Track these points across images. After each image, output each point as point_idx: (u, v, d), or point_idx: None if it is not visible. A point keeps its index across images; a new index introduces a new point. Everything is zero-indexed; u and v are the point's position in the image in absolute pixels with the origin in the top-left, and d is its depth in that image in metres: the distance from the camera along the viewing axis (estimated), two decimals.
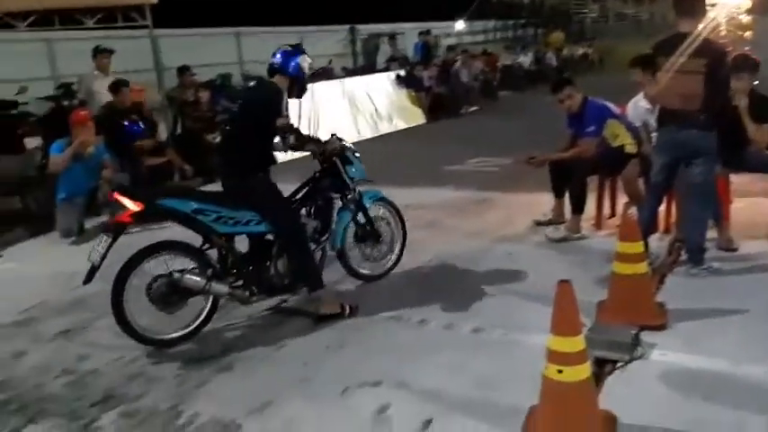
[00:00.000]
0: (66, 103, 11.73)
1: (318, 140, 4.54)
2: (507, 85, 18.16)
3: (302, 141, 4.36)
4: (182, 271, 3.95)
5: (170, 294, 3.93)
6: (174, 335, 3.99)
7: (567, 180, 5.61)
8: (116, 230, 3.91)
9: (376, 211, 4.89)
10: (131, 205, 3.88)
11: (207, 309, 4.08)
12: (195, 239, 4.16)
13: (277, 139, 4.32)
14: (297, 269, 4.25)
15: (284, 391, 3.43)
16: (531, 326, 3.81)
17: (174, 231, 4.36)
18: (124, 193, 3.96)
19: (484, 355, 3.65)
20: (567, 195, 5.70)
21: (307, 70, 4.32)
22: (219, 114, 10.20)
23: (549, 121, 6.78)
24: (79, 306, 4.76)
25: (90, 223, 6.73)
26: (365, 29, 23.60)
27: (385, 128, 12.82)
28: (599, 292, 4.12)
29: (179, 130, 9.83)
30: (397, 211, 5.06)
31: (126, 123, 7.48)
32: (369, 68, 18.33)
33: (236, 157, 4.20)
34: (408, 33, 21.91)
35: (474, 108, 15.06)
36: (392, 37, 20.87)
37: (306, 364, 3.70)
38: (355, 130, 12.16)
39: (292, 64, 4.23)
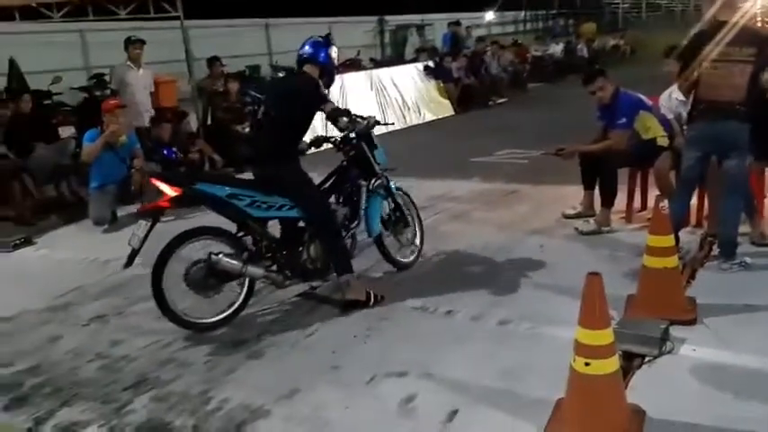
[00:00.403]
0: (98, 93, 11.95)
1: (362, 119, 4.68)
2: (537, 77, 17.99)
3: (353, 121, 4.49)
4: (218, 254, 4.02)
5: (207, 278, 4.00)
6: (213, 319, 4.08)
7: (598, 173, 5.56)
8: (154, 215, 3.97)
9: (400, 198, 4.99)
10: (169, 190, 3.94)
11: (243, 293, 4.16)
12: (229, 226, 4.23)
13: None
14: (328, 253, 4.34)
15: (313, 379, 3.47)
16: (558, 319, 3.79)
17: (207, 218, 4.44)
18: (161, 179, 4.04)
19: (511, 347, 3.64)
20: (596, 188, 5.64)
21: (336, 61, 4.42)
22: (248, 105, 10.30)
23: (579, 113, 6.72)
24: (113, 292, 4.86)
25: (122, 212, 6.84)
26: (393, 20, 23.57)
27: (413, 119, 12.79)
28: (628, 285, 4.09)
29: (209, 121, 9.92)
30: (412, 201, 5.18)
31: (165, 152, 7.57)
32: (397, 59, 18.32)
33: (270, 147, 4.25)
34: (437, 24, 21.84)
35: (503, 99, 14.95)
36: (421, 28, 20.82)
37: (334, 352, 3.74)
38: (383, 121, 12.10)
39: (322, 53, 4.32)
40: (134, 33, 8.43)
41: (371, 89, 12.31)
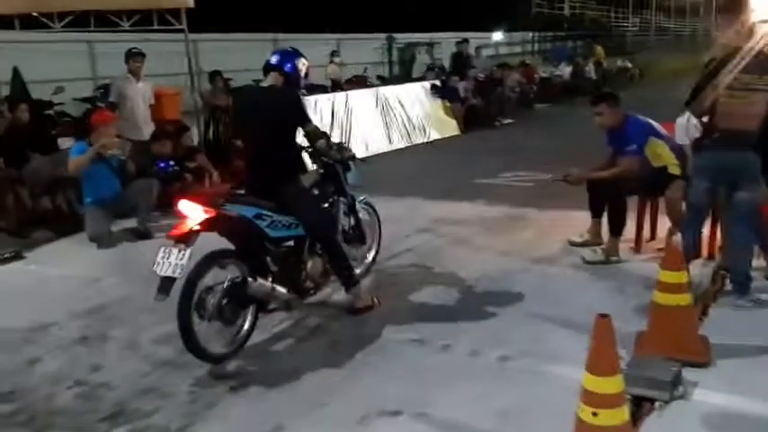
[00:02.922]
0: (101, 104, 11.84)
1: (340, 147, 4.74)
2: (544, 98, 17.86)
3: (329, 147, 4.50)
4: (251, 277, 3.88)
5: (231, 304, 3.79)
6: (224, 350, 3.84)
7: (606, 199, 5.36)
8: (190, 240, 3.67)
9: (361, 214, 5.08)
10: (201, 212, 3.68)
11: (250, 318, 3.98)
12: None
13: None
14: (334, 268, 4.41)
15: (298, 416, 3.26)
16: (562, 356, 3.61)
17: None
18: (194, 199, 3.77)
19: (511, 386, 3.43)
20: (605, 216, 5.45)
21: (302, 72, 4.33)
22: None
23: (586, 136, 6.53)
24: (98, 313, 4.68)
25: (116, 227, 6.67)
26: (402, 37, 23.53)
27: (418, 138, 12.64)
28: (637, 321, 3.88)
29: (210, 135, 9.79)
30: (376, 213, 5.27)
31: (161, 164, 7.33)
32: (404, 77, 18.22)
33: (269, 162, 4.20)
34: (446, 43, 21.77)
35: (509, 120, 14.80)
36: (429, 46, 20.75)
37: (323, 388, 3.53)
38: (387, 139, 12.01)
39: (288, 64, 4.25)
40: (142, 45, 8.31)
41: (377, 106, 12.18)
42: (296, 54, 4.33)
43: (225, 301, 3.73)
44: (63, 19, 8.03)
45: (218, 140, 9.61)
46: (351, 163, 4.85)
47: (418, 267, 5.38)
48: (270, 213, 4.00)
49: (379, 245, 5.29)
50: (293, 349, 4.06)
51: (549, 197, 7.13)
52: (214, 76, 10.64)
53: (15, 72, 12.43)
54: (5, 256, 6.16)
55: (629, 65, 24.88)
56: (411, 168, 10.01)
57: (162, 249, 3.62)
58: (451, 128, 13.45)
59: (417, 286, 4.95)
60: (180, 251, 3.59)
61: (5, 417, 3.41)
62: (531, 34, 27.62)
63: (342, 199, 4.80)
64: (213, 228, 3.82)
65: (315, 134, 4.36)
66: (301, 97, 4.27)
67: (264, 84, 4.33)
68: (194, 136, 9.35)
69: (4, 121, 8.14)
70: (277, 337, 4.23)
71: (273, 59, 4.27)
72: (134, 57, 7.83)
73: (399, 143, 12.18)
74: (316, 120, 10.62)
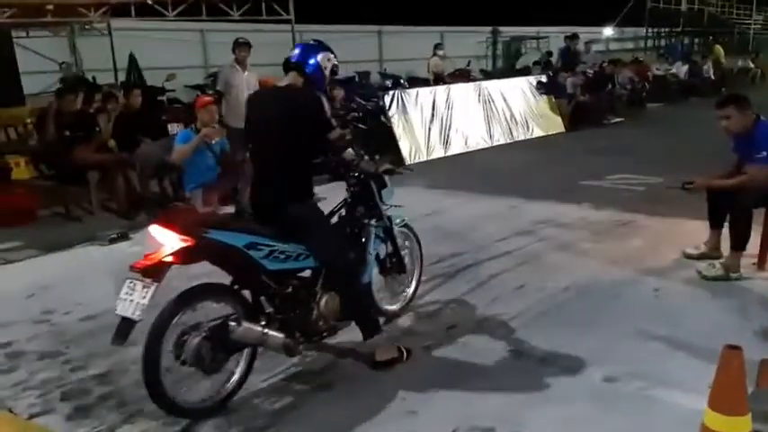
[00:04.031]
0: (210, 92, 12.20)
1: (371, 160, 3.98)
2: (658, 97, 16.93)
3: (360, 159, 3.80)
4: (234, 320, 3.24)
5: (215, 350, 3.15)
6: (203, 404, 3.27)
7: (728, 210, 4.92)
8: (158, 274, 3.01)
9: (400, 238, 4.34)
10: (176, 240, 3.03)
11: (243, 365, 3.39)
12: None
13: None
14: (350, 312, 3.64)
15: (386, 423, 3.15)
16: (675, 381, 3.31)
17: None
18: (167, 224, 3.08)
19: (616, 411, 3.15)
20: (725, 227, 5.00)
21: (328, 71, 3.65)
22: (352, 111, 10.17)
23: (703, 139, 6.07)
24: None
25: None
26: (508, 31, 23.03)
27: (520, 134, 12.26)
28: (761, 347, 3.53)
29: None
30: (417, 238, 4.52)
31: None
32: (508, 71, 17.80)
33: (280, 181, 3.52)
34: (553, 38, 21.12)
35: (619, 119, 14.11)
36: (536, 40, 20.19)
37: (413, 394, 3.38)
38: (488, 134, 11.71)
39: (310, 62, 3.60)
40: (250, 35, 8.44)
41: (479, 101, 11.88)
42: (319, 48, 3.66)
43: (205, 346, 3.11)
44: (176, 7, 8.26)
45: None
46: (387, 178, 4.07)
47: (516, 272, 5.13)
48: (269, 242, 3.30)
49: (420, 275, 4.58)
50: None
51: (660, 203, 6.69)
52: None
53: (131, 58, 13.06)
54: (112, 236, 6.40)
55: (752, 65, 23.22)
56: (512, 166, 9.68)
57: (127, 283, 3.00)
58: (557, 125, 12.97)
59: (515, 292, 4.71)
60: (144, 287, 2.97)
61: (99, 398, 3.47)
62: (644, 30, 26.31)
63: (374, 222, 4.05)
64: (192, 259, 3.14)
65: (342, 142, 3.69)
66: (323, 100, 3.51)
67: (281, 84, 3.69)
68: None
69: (118, 105, 8.51)
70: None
71: (295, 55, 3.64)
72: (240, 46, 7.94)
73: (500, 139, 11.86)
74: (415, 113, 10.58)
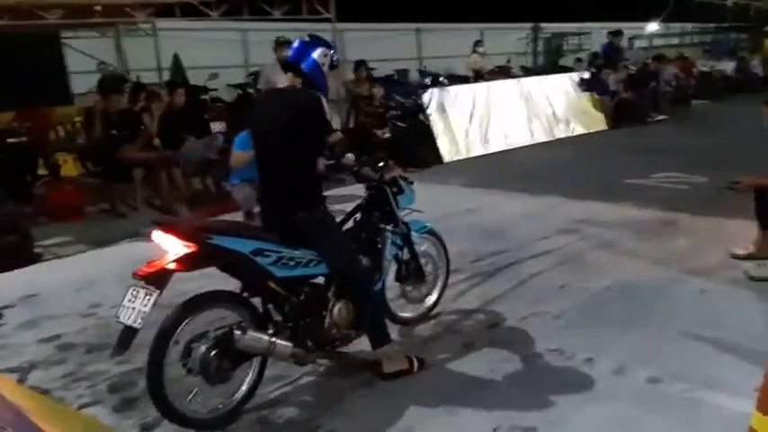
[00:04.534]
0: (251, 91, 12.35)
1: (375, 164, 3.79)
2: (703, 94, 16.55)
3: (360, 164, 3.62)
4: (240, 329, 3.14)
5: (221, 359, 3.07)
6: (210, 415, 3.18)
7: None
8: (161, 282, 2.96)
9: (421, 245, 4.18)
10: (180, 246, 2.97)
11: (253, 375, 3.30)
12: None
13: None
14: (360, 321, 3.54)
15: (427, 419, 3.15)
16: (721, 383, 3.24)
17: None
18: (170, 230, 3.03)
19: (660, 413, 3.11)
20: None
21: (326, 67, 3.44)
22: (391, 110, 10.20)
23: (751, 137, 5.90)
24: None
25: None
26: (549, 27, 22.75)
27: (561, 132, 12.11)
28: None
29: (351, 124, 9.91)
30: (443, 245, 4.34)
31: None
32: (550, 68, 17.60)
33: (288, 187, 3.41)
34: (595, 34, 20.80)
35: (663, 116, 13.83)
36: (578, 36, 19.91)
37: (455, 392, 3.38)
38: (529, 132, 11.61)
39: (307, 60, 3.39)
40: (291, 34, 8.52)
41: (519, 98, 11.78)
42: (315, 44, 3.46)
43: (211, 355, 3.04)
44: (220, 7, 8.39)
45: (359, 130, 9.69)
46: (403, 183, 3.96)
47: (558, 271, 5.08)
48: (276, 248, 3.21)
49: (445, 283, 4.39)
50: (425, 347, 3.93)
51: (706, 202, 6.55)
52: (359, 65, 10.73)
53: (176, 58, 13.30)
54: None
55: None
56: (552, 164, 9.58)
57: (131, 290, 2.96)
58: (599, 122, 12.78)
59: (557, 291, 4.67)
60: (147, 295, 2.91)
61: (144, 391, 3.47)
62: (690, 26, 25.76)
63: (390, 228, 3.91)
64: (196, 265, 3.07)
65: (341, 145, 3.54)
66: (323, 101, 3.35)
67: (280, 85, 3.55)
68: (336, 124, 9.50)
69: (162, 104, 8.68)
70: (409, 332, 4.13)
71: (291, 54, 3.48)
72: (281, 45, 8.01)
73: (541, 137, 11.74)
74: (454, 111, 10.54)
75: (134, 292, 2.94)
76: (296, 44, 3.49)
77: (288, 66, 3.48)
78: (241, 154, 6.28)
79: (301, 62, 3.40)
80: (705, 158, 8.71)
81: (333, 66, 3.49)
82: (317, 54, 3.40)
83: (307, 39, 3.50)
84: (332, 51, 3.49)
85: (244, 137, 6.26)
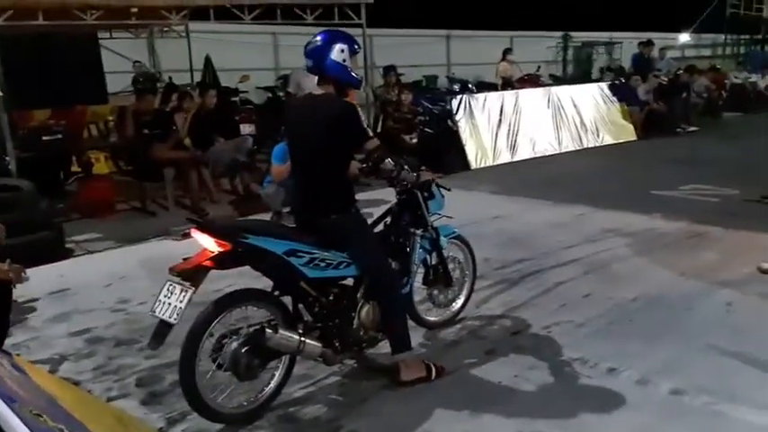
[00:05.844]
0: (280, 94, 12.48)
1: (413, 169, 3.77)
2: (735, 106, 16.33)
3: (399, 169, 3.58)
4: (272, 326, 3.18)
5: (251, 356, 3.13)
6: (240, 410, 3.25)
7: None
8: (196, 278, 3.03)
9: (449, 250, 4.21)
10: (213, 245, 3.02)
11: (281, 372, 3.36)
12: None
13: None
14: (385, 323, 3.55)
15: (450, 422, 3.18)
16: (745, 398, 3.23)
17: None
18: (204, 229, 3.08)
19: (684, 426, 3.09)
20: None
21: (348, 61, 3.36)
22: (419, 116, 10.23)
23: None
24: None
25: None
26: (579, 36, 22.63)
27: (590, 141, 12.04)
28: None
29: (379, 129, 9.97)
30: (471, 251, 4.38)
31: None
32: (579, 77, 17.51)
33: (322, 190, 3.44)
34: (626, 44, 20.65)
35: (694, 128, 13.67)
36: (608, 46, 19.78)
37: (478, 397, 3.40)
38: (557, 141, 11.56)
39: (327, 63, 3.34)
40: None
41: (548, 107, 11.74)
42: (327, 45, 3.35)
43: (242, 351, 3.10)
44: (253, 11, 8.50)
45: (387, 135, 9.74)
46: (435, 188, 3.98)
47: (583, 280, 5.07)
48: (309, 249, 3.25)
49: (471, 288, 4.43)
50: (449, 351, 3.95)
51: (736, 215, 6.48)
52: (388, 70, 10.80)
53: (207, 60, 13.50)
54: (185, 231, 6.61)
55: None
56: (580, 173, 9.53)
57: (167, 285, 3.04)
58: (628, 132, 12.68)
59: (582, 300, 4.66)
60: (182, 291, 2.99)
61: (171, 385, 3.56)
62: (723, 37, 25.40)
63: (420, 232, 3.94)
64: (230, 264, 3.14)
65: (379, 152, 3.47)
66: (358, 109, 3.38)
67: (315, 92, 3.49)
68: None
69: (194, 105, 8.82)
70: (434, 336, 4.15)
71: (309, 64, 3.42)
72: None
73: (569, 146, 11.68)
74: (483, 118, 10.54)
75: (170, 288, 3.01)
76: (309, 50, 3.39)
77: (312, 70, 3.44)
78: (279, 168, 6.24)
79: (323, 69, 3.36)
80: (736, 171, 8.61)
81: (354, 51, 3.41)
82: (333, 54, 3.33)
83: (317, 42, 3.38)
84: (346, 45, 3.36)
85: (281, 149, 6.19)
